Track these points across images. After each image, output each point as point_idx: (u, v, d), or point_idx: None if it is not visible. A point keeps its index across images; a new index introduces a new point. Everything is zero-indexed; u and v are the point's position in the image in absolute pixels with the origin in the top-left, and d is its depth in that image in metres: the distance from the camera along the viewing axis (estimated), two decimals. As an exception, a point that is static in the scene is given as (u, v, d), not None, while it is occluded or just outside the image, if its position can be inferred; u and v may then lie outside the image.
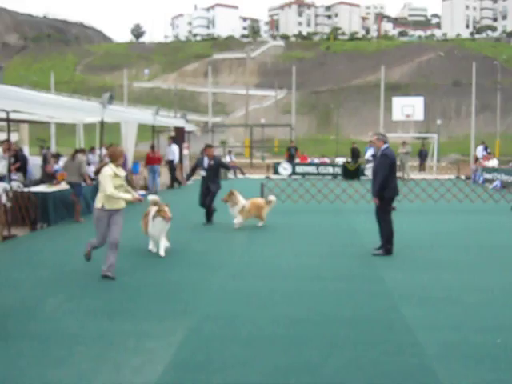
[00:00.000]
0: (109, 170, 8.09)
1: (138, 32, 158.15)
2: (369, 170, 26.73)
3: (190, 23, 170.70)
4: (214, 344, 5.53)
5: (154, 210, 9.76)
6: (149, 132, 23.68)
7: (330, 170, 30.85)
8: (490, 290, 7.57)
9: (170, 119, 28.82)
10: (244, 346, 5.47)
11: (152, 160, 22.07)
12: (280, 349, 5.40)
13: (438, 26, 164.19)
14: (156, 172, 21.84)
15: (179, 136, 26.63)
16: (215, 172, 13.43)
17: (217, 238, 11.71)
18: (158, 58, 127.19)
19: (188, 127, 28.67)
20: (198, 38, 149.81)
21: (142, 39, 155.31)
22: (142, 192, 17.52)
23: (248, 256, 9.97)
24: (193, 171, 14.03)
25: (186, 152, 26.74)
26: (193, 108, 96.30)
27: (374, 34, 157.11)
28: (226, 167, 14.92)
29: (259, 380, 4.71)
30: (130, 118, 20.07)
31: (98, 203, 8.07)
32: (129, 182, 17.38)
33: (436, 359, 5.14)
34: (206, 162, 13.35)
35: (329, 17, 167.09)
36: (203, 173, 13.37)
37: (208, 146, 13.65)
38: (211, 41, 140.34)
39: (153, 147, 22.78)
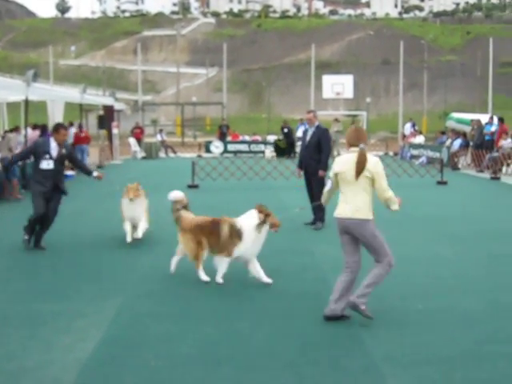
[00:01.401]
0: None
1: (63, 7, 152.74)
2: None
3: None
4: (145, 320, 5.56)
5: (253, 215, 6.50)
6: (76, 111, 23.14)
7: (262, 147, 31.07)
8: (414, 261, 7.90)
9: (98, 97, 28.30)
10: (176, 321, 5.52)
11: (80, 139, 21.61)
12: (211, 322, 5.49)
13: (368, 5, 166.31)
14: (84, 152, 21.42)
15: (108, 115, 26.15)
16: (62, 166, 8.91)
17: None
18: (85, 34, 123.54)
19: (117, 106, 28.17)
20: (127, 15, 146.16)
21: (68, 15, 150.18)
22: (70, 172, 17.13)
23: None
24: (23, 158, 9.61)
25: (115, 131, 26.28)
26: (122, 86, 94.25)
27: (304, 12, 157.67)
28: (77, 165, 9.51)
29: (191, 352, 4.78)
30: (56, 96, 19.58)
31: (370, 212, 5.52)
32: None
33: (362, 327, 5.35)
34: (53, 148, 8.51)
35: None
36: (48, 164, 8.43)
37: (60, 126, 8.77)
38: (140, 17, 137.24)
39: (81, 126, 22.28)
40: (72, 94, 22.54)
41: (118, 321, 5.56)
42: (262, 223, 6.36)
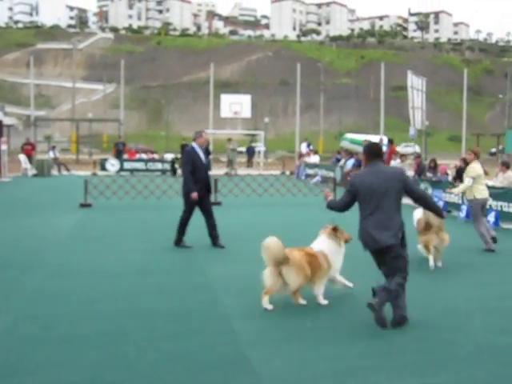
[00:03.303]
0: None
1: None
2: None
3: (10, 9, 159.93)
4: (27, 345, 5.30)
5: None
6: (-39, 124, 21.93)
7: (159, 166, 30.86)
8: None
9: (-14, 111, 26.91)
10: (60, 346, 5.30)
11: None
12: (97, 345, 5.31)
13: (267, 26, 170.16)
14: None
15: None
16: None
17: (31, 238, 11.16)
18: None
19: (7, 120, 27.05)
20: (20, 26, 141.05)
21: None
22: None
23: (66, 255, 9.61)
24: None
25: (3, 147, 25.11)
26: (14, 100, 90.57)
27: (205, 31, 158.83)
28: None
29: (73, 378, 4.61)
30: None
31: None
32: None
33: (249, 345, 5.38)
34: None
35: (160, 11, 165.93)
36: None
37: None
38: (34, 29, 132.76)
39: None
40: (-44, 106, 21.36)
41: (-3, 347, 5.27)
42: None
